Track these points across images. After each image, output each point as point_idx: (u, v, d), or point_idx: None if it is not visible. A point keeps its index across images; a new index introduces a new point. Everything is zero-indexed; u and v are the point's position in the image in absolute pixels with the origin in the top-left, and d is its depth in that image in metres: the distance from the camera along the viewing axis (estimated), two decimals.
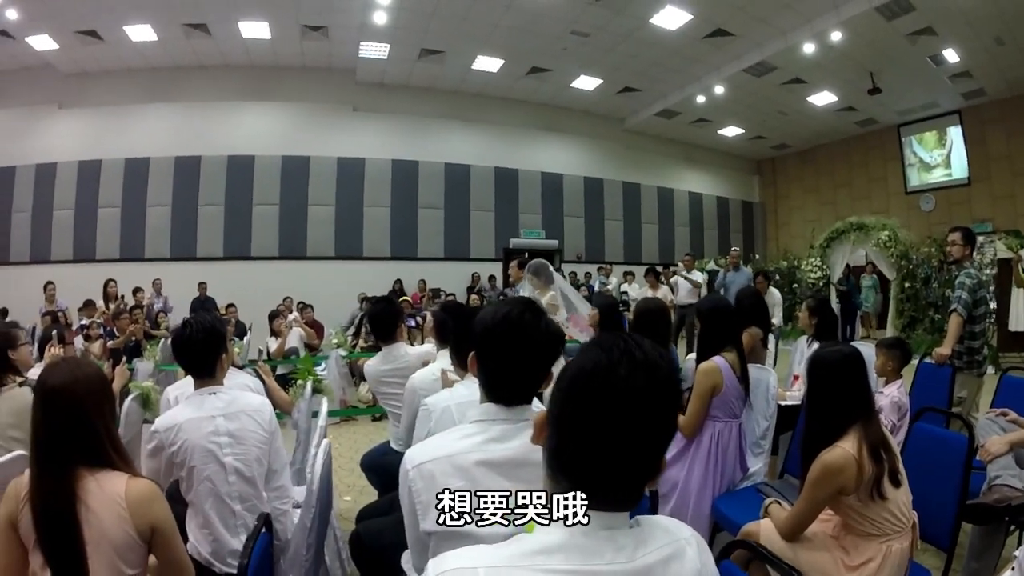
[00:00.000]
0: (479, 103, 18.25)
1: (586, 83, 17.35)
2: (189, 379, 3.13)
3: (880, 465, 2.42)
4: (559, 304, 6.90)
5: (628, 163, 20.30)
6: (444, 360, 3.63)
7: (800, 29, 13.47)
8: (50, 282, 12.23)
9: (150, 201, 16.06)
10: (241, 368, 4.35)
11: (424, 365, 4.04)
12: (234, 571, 2.63)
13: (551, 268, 7.24)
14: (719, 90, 16.56)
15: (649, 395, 1.04)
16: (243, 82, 16.59)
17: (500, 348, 1.78)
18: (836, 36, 13.26)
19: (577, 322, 7.16)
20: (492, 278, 17.47)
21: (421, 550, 1.73)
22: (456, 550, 1.08)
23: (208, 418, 2.71)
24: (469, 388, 2.63)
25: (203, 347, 2.81)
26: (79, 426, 1.93)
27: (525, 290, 7.29)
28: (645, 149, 20.71)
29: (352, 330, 11.61)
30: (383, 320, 4.53)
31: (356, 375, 9.45)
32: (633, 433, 1.03)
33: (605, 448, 1.03)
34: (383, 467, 4.17)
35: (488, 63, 16.11)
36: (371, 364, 4.54)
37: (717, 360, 3.63)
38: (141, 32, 14.33)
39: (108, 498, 1.92)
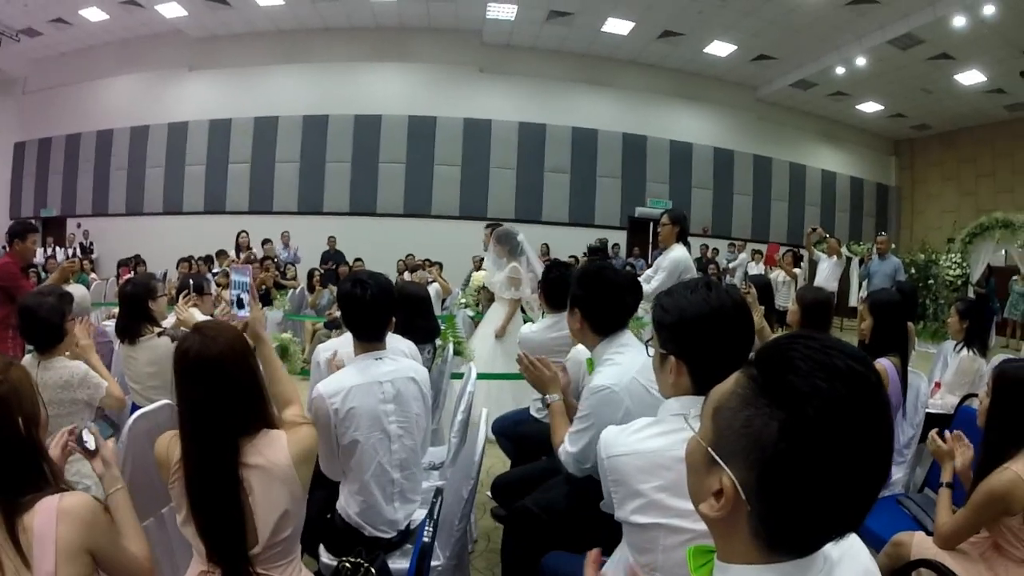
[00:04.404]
0: (608, 67, 18.79)
1: (720, 49, 17.46)
2: (344, 339, 3.23)
3: None
4: (521, 278, 6.78)
5: (760, 135, 20.46)
6: None
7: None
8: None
9: (279, 157, 17.69)
10: None
11: None
12: (386, 536, 2.82)
13: (519, 238, 7.06)
14: (860, 62, 16.48)
15: (887, 420, 0.95)
16: (369, 44, 17.83)
17: (716, 338, 1.82)
18: (989, 10, 13.04)
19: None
20: (616, 246, 17.90)
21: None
22: None
23: (375, 384, 2.77)
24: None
25: (378, 310, 2.83)
26: (228, 395, 2.00)
27: (489, 258, 7.32)
28: (778, 121, 20.82)
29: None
30: (560, 286, 4.44)
31: None
32: (880, 469, 0.95)
33: (849, 499, 0.94)
34: (520, 436, 4.30)
35: (618, 25, 16.51)
36: (535, 331, 4.58)
37: (884, 363, 3.61)
38: None
39: (273, 463, 2.03)
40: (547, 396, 3.01)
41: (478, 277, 7.82)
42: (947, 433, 2.99)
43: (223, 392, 1.99)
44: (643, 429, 1.84)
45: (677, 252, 6.08)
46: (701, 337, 1.82)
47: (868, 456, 0.92)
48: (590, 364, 3.00)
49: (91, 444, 2.01)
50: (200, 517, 1.96)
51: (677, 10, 15.48)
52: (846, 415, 0.90)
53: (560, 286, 4.44)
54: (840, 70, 17.48)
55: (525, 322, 6.58)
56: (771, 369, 0.97)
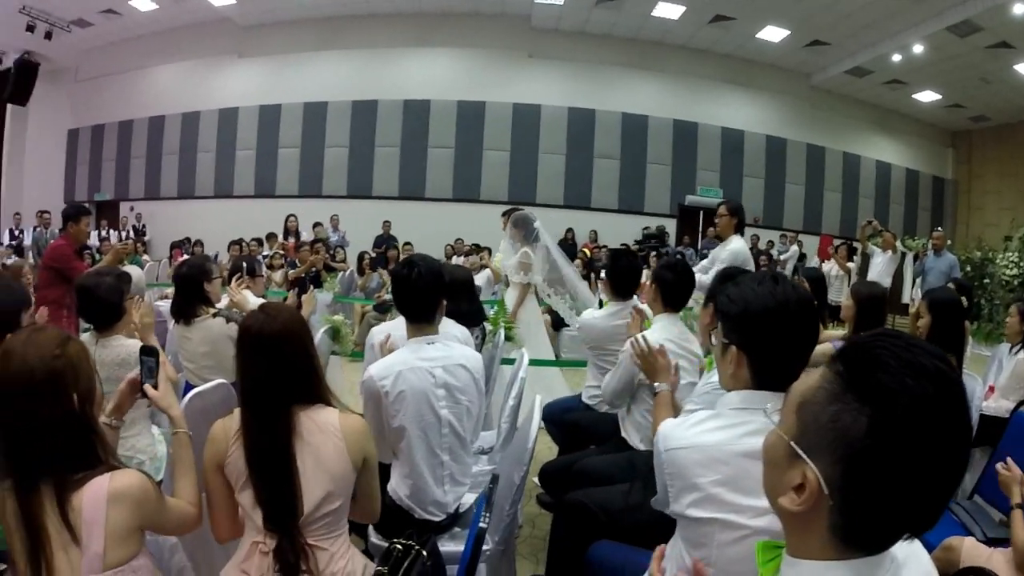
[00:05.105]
0: (658, 52, 18.56)
1: (772, 34, 17.10)
2: (398, 322, 3.27)
3: None
4: (532, 263, 6.79)
5: (813, 124, 19.98)
6: (659, 326, 3.57)
7: None
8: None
9: (328, 142, 18.00)
10: None
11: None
12: (435, 519, 2.85)
13: (535, 224, 7.05)
14: (917, 49, 16.06)
15: (968, 420, 0.97)
16: (417, 29, 17.96)
17: (779, 332, 1.80)
18: None
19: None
20: (666, 234, 17.93)
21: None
22: None
23: (426, 367, 2.80)
24: None
25: (428, 292, 2.86)
26: (285, 369, 2.08)
27: (504, 241, 7.35)
28: (831, 109, 20.26)
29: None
30: (628, 274, 4.46)
31: None
32: (960, 466, 0.97)
33: (929, 499, 0.96)
34: (569, 423, 4.34)
35: (668, 10, 16.31)
36: (598, 317, 4.50)
37: None
38: None
39: (323, 431, 2.09)
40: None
41: (497, 260, 7.88)
42: (1010, 460, 2.95)
43: (281, 366, 2.07)
44: (702, 423, 1.84)
45: (736, 244, 6.03)
46: (764, 330, 1.81)
47: (950, 454, 0.94)
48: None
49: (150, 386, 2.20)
50: (259, 482, 2.02)
51: None
52: (932, 413, 0.92)
53: (629, 275, 4.46)
54: (896, 57, 17.02)
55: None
56: (858, 366, 0.99)
